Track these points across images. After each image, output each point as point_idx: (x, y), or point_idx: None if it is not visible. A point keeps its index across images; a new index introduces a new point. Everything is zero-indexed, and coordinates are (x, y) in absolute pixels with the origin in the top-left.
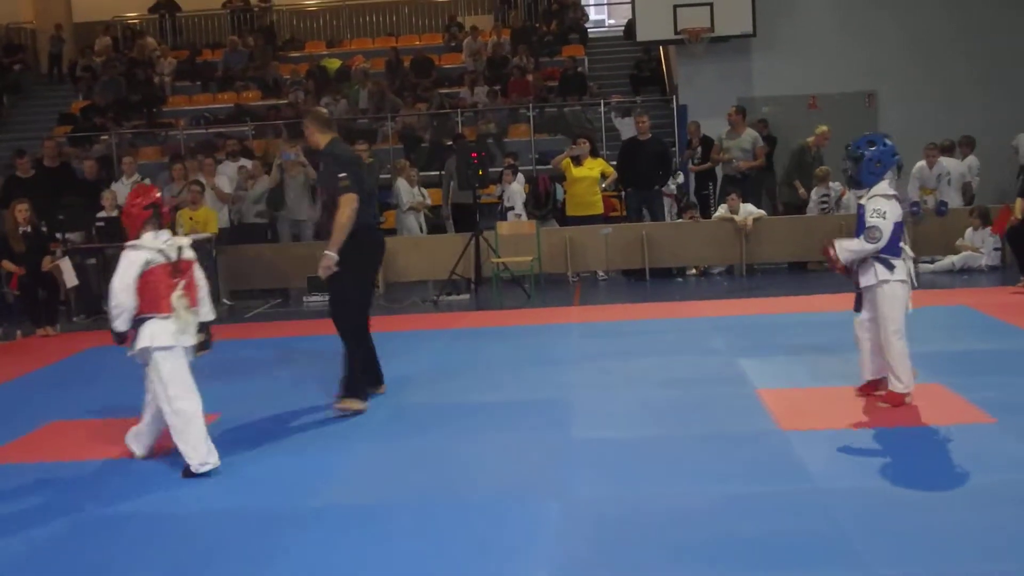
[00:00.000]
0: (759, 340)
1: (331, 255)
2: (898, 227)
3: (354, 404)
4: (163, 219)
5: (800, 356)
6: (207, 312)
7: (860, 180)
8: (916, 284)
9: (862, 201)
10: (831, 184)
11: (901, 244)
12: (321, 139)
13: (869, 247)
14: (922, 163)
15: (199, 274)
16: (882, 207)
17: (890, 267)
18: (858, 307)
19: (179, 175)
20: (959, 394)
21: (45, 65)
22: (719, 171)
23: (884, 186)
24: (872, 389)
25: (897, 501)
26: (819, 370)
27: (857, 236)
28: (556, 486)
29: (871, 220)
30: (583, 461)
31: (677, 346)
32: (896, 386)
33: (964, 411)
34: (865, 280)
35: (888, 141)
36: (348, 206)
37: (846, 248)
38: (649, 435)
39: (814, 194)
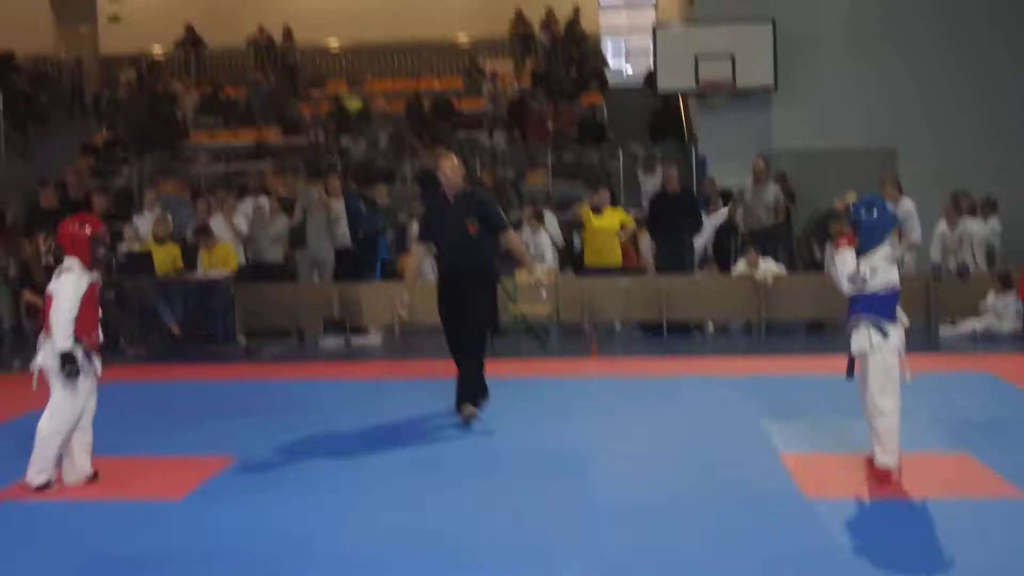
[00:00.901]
0: (781, 401)
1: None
2: (895, 294)
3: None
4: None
5: (823, 419)
6: (56, 343)
7: (859, 246)
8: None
9: (862, 263)
10: None
11: (897, 310)
12: (461, 180)
13: (846, 285)
14: (944, 224)
15: (53, 306)
16: (878, 266)
17: (884, 334)
18: (850, 372)
19: (203, 210)
20: (987, 466)
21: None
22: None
23: (886, 250)
24: None
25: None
26: (842, 435)
27: None
28: (578, 546)
29: (862, 268)
30: (605, 522)
31: (697, 403)
32: (882, 459)
33: (993, 484)
34: (857, 345)
35: (889, 205)
36: (516, 236)
37: (841, 259)
38: (672, 497)
39: (829, 249)
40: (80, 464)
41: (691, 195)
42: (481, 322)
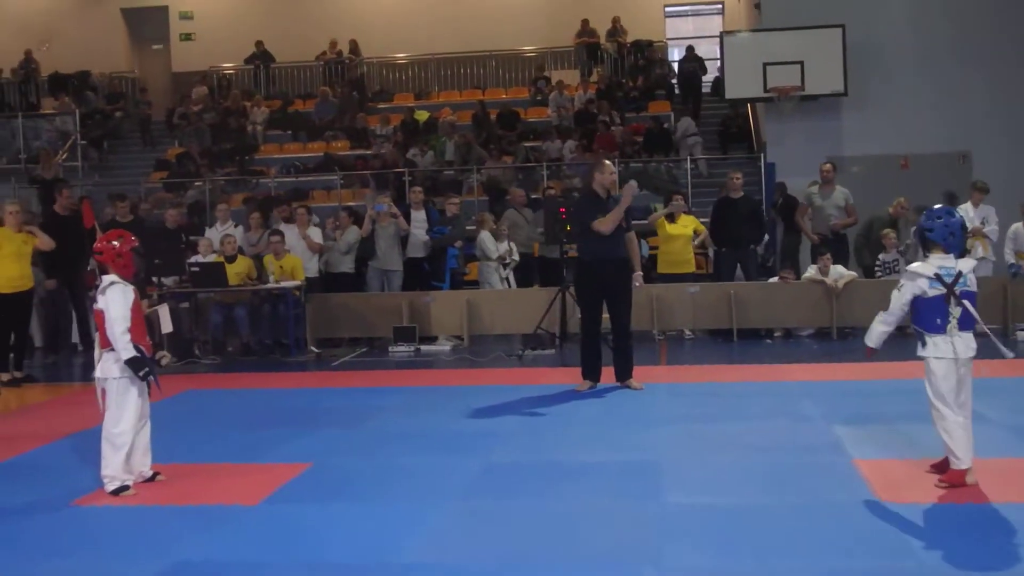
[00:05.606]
0: (853, 407)
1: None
2: (937, 303)
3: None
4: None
5: (897, 425)
6: (121, 354)
7: (953, 247)
8: (962, 355)
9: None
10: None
11: (939, 320)
12: (613, 186)
13: (879, 316)
14: (1018, 224)
15: (107, 321)
16: (903, 280)
17: (923, 343)
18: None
19: (256, 223)
20: None
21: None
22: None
23: (917, 264)
24: (943, 467)
25: None
26: (917, 440)
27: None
28: (650, 552)
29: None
30: (677, 527)
31: (769, 410)
32: (954, 463)
33: None
34: (919, 351)
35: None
36: (635, 240)
37: (873, 331)
38: (745, 503)
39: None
40: (137, 466)
41: (754, 201)
42: (627, 309)
